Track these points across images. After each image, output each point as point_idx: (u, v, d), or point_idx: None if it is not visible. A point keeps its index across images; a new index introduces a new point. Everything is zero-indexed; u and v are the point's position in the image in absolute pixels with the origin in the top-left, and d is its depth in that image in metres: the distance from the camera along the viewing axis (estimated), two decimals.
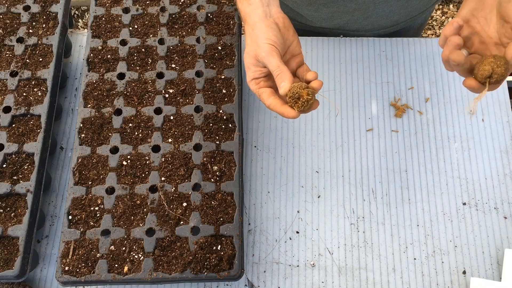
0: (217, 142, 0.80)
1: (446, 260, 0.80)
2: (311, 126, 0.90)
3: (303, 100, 0.63)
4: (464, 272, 0.79)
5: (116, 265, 0.71)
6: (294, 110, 0.64)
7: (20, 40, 0.87)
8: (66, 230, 0.74)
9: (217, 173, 0.77)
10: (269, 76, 0.69)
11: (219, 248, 0.73)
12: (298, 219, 0.83)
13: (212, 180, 0.77)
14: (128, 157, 0.79)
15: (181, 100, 0.83)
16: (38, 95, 0.83)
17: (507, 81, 0.94)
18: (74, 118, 0.90)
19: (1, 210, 0.75)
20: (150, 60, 0.86)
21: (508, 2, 0.60)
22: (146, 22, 0.89)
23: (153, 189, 0.77)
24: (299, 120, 0.90)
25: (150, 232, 0.74)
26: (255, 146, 0.88)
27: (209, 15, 0.89)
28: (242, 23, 0.72)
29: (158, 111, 0.82)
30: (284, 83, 0.64)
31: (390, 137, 0.89)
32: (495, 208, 0.83)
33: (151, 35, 0.88)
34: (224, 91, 0.83)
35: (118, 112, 0.82)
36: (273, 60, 0.65)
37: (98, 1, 0.91)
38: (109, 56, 0.86)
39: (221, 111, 0.82)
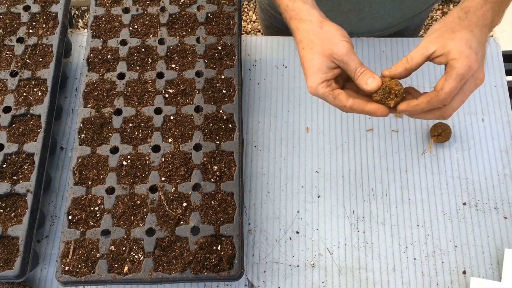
0: (217, 142, 0.80)
1: (446, 260, 0.80)
2: (311, 126, 0.90)
3: (395, 91, 0.61)
4: (464, 272, 0.79)
5: (116, 265, 0.71)
6: (384, 106, 0.62)
7: (20, 40, 0.87)
8: (66, 230, 0.74)
9: (217, 173, 0.77)
10: (336, 80, 0.66)
11: (219, 248, 0.73)
12: (298, 219, 0.83)
13: (212, 180, 0.77)
14: (128, 157, 0.79)
15: (181, 100, 0.83)
16: (38, 95, 0.83)
17: (507, 81, 0.94)
18: (74, 118, 0.90)
19: (1, 210, 0.75)
20: (150, 60, 0.86)
21: None
22: (146, 22, 0.89)
23: (153, 189, 0.77)
24: (299, 120, 0.90)
25: (150, 232, 0.74)
26: (255, 146, 0.88)
27: (209, 15, 0.89)
28: (288, 21, 0.68)
29: (158, 111, 0.82)
30: (372, 79, 0.61)
31: (390, 137, 0.89)
32: (495, 208, 0.83)
33: (151, 35, 0.88)
34: (224, 91, 0.83)
35: (118, 112, 0.82)
36: (355, 58, 0.62)
37: (98, 1, 0.91)
38: (109, 56, 0.86)
39: (221, 111, 0.82)
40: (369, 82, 0.61)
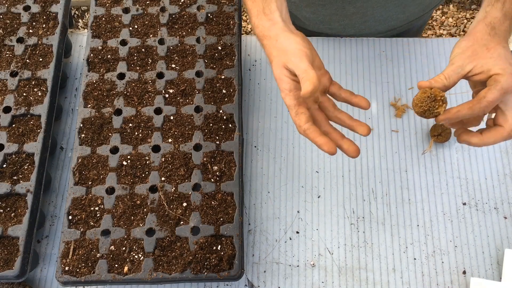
0: (217, 142, 0.80)
1: (446, 260, 0.80)
2: None
3: (441, 97, 0.60)
4: (464, 272, 0.79)
5: (116, 265, 0.71)
6: (332, 143, 0.60)
7: (20, 40, 0.87)
8: (66, 230, 0.74)
9: (217, 173, 0.77)
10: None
11: (219, 248, 0.73)
12: (298, 219, 0.83)
13: (212, 180, 0.77)
14: (128, 157, 0.79)
15: (181, 100, 0.83)
16: (38, 95, 0.83)
17: None
18: (74, 118, 0.90)
19: (1, 210, 0.75)
20: (150, 60, 0.86)
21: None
22: (146, 22, 0.89)
23: (153, 189, 0.77)
24: None
25: (150, 232, 0.74)
26: (255, 146, 0.88)
27: (209, 15, 0.89)
28: (260, 38, 0.69)
29: (158, 111, 0.82)
30: (308, 82, 0.58)
31: (390, 137, 0.89)
32: (495, 208, 0.83)
33: (151, 35, 0.88)
34: (224, 91, 0.83)
35: (118, 112, 0.82)
36: (301, 64, 0.60)
37: (98, 1, 0.91)
38: (109, 56, 0.86)
39: (221, 111, 0.82)
40: (305, 85, 0.58)
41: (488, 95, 0.59)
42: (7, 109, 0.82)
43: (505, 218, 0.82)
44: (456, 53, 0.64)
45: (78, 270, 0.71)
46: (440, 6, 2.22)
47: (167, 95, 0.83)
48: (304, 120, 0.62)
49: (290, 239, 0.81)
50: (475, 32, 0.64)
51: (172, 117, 0.81)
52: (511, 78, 0.59)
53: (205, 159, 0.78)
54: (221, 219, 0.74)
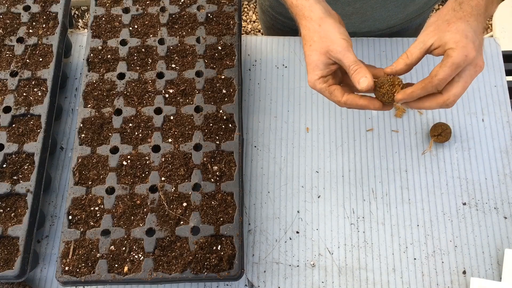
0: (217, 142, 0.80)
1: (446, 260, 0.80)
2: (311, 126, 0.90)
3: (398, 82, 0.63)
4: (464, 272, 0.79)
5: (116, 265, 0.71)
6: (377, 100, 0.64)
7: (20, 40, 0.87)
8: (66, 230, 0.74)
9: (217, 173, 0.77)
10: (335, 74, 0.68)
11: (219, 248, 0.73)
12: (298, 219, 0.83)
13: (212, 180, 0.77)
14: (128, 157, 0.79)
15: (181, 100, 0.83)
16: (38, 95, 0.83)
17: (507, 81, 0.94)
18: (74, 118, 0.90)
19: (1, 210, 0.75)
20: (150, 60, 0.86)
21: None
22: (146, 22, 0.89)
23: (153, 189, 0.77)
24: (299, 120, 0.90)
25: (150, 232, 0.74)
26: (255, 146, 0.88)
27: (209, 15, 0.89)
28: (295, 17, 0.71)
29: (158, 111, 0.82)
30: (365, 78, 0.62)
31: (390, 137, 0.89)
32: (495, 208, 0.83)
33: (151, 35, 0.88)
34: (224, 91, 0.83)
35: (118, 112, 0.82)
36: (350, 55, 0.64)
37: (98, 1, 0.91)
38: (109, 56, 0.86)
39: (221, 111, 0.82)
40: (361, 81, 0.63)
41: (439, 73, 0.59)
42: (7, 109, 0.82)
43: (505, 218, 0.82)
44: (423, 29, 0.65)
45: (78, 270, 0.71)
46: (440, 6, 2.22)
47: (167, 95, 0.83)
48: (340, 94, 0.65)
49: (290, 239, 0.81)
50: (443, 8, 0.64)
51: (172, 117, 0.81)
52: (463, 52, 0.58)
53: (205, 159, 0.78)
54: (221, 219, 0.74)
